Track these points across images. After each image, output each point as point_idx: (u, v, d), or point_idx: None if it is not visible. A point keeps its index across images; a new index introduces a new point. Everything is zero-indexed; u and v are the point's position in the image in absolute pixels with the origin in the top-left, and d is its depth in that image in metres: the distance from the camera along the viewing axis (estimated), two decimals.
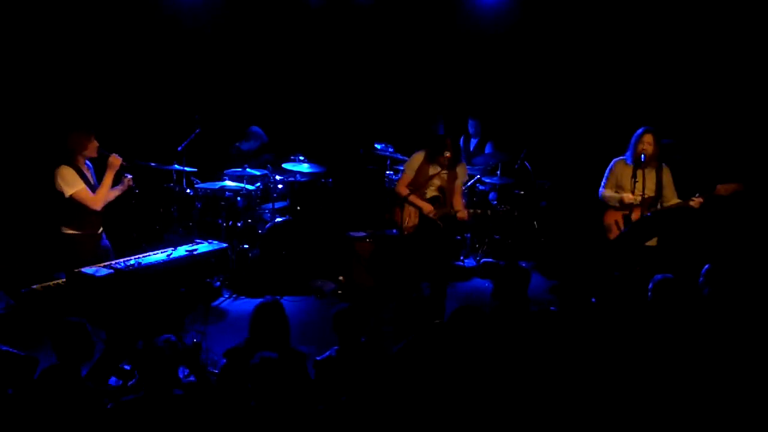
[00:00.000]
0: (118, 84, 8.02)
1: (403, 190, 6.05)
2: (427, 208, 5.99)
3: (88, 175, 5.39)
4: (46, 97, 7.69)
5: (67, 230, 5.26)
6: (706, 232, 6.93)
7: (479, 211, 6.29)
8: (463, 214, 5.98)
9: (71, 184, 5.17)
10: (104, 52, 7.93)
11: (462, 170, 6.10)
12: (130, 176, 5.50)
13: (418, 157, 6.06)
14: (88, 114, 7.70)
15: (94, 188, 5.36)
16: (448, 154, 5.92)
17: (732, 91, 7.61)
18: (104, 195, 5.31)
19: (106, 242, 5.47)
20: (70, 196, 5.17)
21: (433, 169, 5.99)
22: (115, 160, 5.35)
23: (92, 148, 5.32)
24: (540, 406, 3.64)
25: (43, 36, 7.62)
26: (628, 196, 5.73)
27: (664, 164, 5.79)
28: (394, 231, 6.23)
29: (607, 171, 5.95)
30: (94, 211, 5.29)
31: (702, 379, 3.90)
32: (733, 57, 7.60)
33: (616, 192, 5.84)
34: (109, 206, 5.43)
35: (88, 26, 7.77)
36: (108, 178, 5.32)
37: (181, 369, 4.38)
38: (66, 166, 5.20)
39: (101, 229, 5.45)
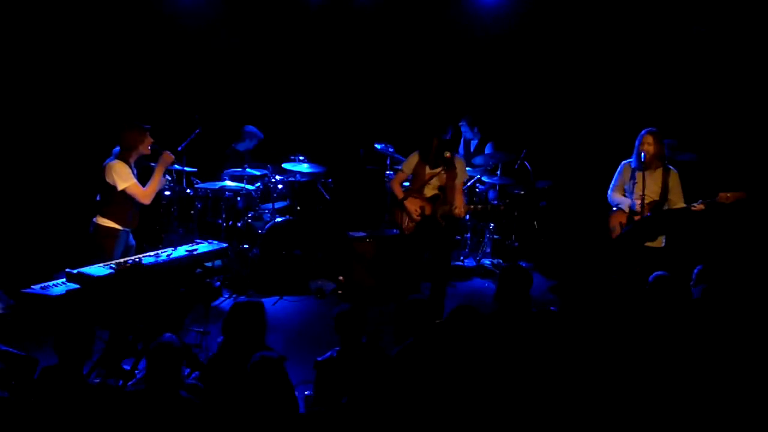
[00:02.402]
0: (118, 84, 8.02)
1: (398, 190, 6.17)
2: (415, 213, 6.02)
3: (135, 171, 5.51)
4: (45, 98, 7.69)
5: (106, 222, 5.34)
6: (707, 235, 6.92)
7: (479, 207, 6.32)
8: (460, 210, 6.01)
9: (125, 178, 5.30)
10: (104, 52, 7.93)
11: (461, 168, 6.13)
12: (168, 177, 5.59)
13: (414, 158, 6.14)
14: (88, 114, 7.73)
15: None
16: (448, 155, 5.96)
17: (740, 91, 7.61)
18: (154, 190, 5.45)
19: (132, 241, 5.53)
20: (123, 189, 5.29)
21: (430, 169, 6.04)
22: (169, 157, 5.51)
23: (147, 144, 5.43)
24: (540, 406, 3.64)
25: (42, 36, 7.62)
26: (637, 197, 5.70)
27: (672, 168, 5.77)
28: (395, 231, 6.24)
29: (616, 173, 5.94)
30: (139, 207, 5.42)
31: (701, 378, 3.90)
32: (746, 60, 7.60)
33: (624, 195, 5.84)
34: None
35: (88, 26, 7.77)
36: (159, 174, 5.46)
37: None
38: (120, 162, 5.32)
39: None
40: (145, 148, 5.43)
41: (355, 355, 3.97)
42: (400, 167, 6.38)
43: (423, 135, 6.12)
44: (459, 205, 6.02)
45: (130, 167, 5.38)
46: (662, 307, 4.40)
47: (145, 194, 5.38)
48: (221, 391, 3.76)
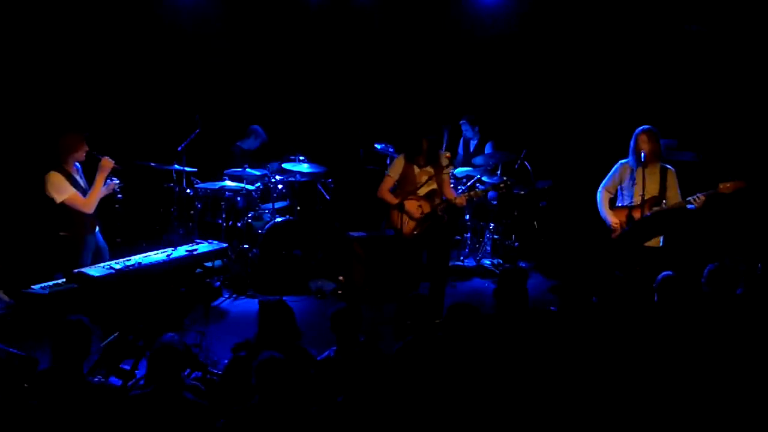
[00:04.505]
0: (118, 85, 8.03)
1: (389, 196, 6.07)
2: (417, 212, 6.01)
3: (77, 177, 5.40)
4: (47, 100, 7.69)
5: (63, 233, 5.29)
6: (708, 231, 6.91)
7: (479, 192, 6.34)
8: (461, 200, 6.02)
9: (61, 190, 5.21)
10: (105, 53, 7.94)
11: (445, 160, 6.12)
12: (116, 180, 5.52)
13: (400, 161, 6.09)
14: (89, 115, 7.72)
15: (84, 190, 5.37)
16: (448, 155, 5.97)
17: (736, 89, 7.61)
18: (96, 198, 5.35)
19: (103, 243, 5.50)
20: (62, 202, 5.20)
21: (417, 169, 6.02)
22: (107, 163, 5.38)
23: (82, 150, 5.33)
24: (539, 406, 3.64)
25: (45, 38, 7.62)
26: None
27: (669, 167, 5.78)
28: (392, 232, 6.24)
29: (611, 172, 5.93)
30: (87, 214, 5.32)
31: (704, 379, 3.90)
32: (738, 56, 7.60)
33: (624, 193, 5.85)
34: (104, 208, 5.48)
35: (88, 27, 7.78)
36: (99, 181, 5.36)
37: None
38: (55, 172, 5.22)
39: (97, 229, 5.47)
40: (80, 156, 5.32)
41: (352, 355, 3.97)
42: (387, 173, 6.32)
43: (411, 137, 6.09)
44: (454, 195, 6.04)
45: (68, 176, 5.26)
46: (673, 306, 4.38)
47: (85, 203, 5.28)
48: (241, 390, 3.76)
